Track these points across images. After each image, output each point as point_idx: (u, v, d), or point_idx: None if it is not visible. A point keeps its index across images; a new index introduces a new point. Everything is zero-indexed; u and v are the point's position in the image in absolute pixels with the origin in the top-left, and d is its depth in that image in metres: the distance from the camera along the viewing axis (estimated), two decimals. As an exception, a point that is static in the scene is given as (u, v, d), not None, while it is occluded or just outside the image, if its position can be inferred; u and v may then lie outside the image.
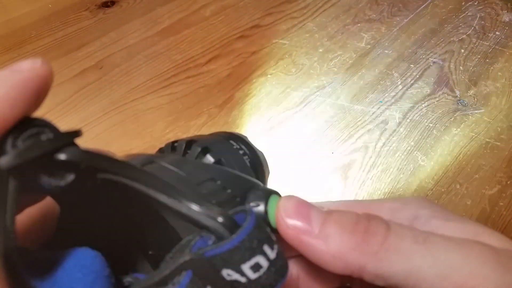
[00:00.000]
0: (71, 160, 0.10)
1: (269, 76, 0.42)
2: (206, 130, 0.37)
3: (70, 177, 0.10)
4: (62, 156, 0.10)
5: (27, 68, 0.10)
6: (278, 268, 0.11)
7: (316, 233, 0.12)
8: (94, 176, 0.10)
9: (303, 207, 0.13)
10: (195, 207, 0.11)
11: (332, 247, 0.12)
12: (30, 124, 0.10)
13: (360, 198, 0.33)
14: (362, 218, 0.13)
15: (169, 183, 0.11)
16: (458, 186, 0.34)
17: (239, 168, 0.17)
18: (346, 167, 0.35)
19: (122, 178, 0.11)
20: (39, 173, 0.10)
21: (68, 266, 0.10)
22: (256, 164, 0.18)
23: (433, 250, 0.11)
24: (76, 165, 0.10)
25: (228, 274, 0.11)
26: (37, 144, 0.09)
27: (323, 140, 0.37)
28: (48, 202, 0.12)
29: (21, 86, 0.10)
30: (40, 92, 0.10)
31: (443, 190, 0.34)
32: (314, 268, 0.14)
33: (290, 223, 0.13)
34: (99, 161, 0.10)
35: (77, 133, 0.10)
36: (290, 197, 0.14)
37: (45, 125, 0.10)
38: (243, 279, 0.11)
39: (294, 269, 0.15)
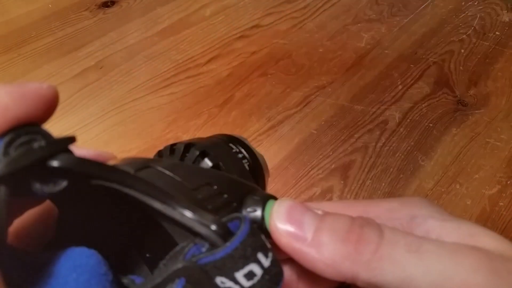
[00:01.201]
0: (63, 167, 0.10)
1: (269, 76, 0.42)
2: (206, 130, 0.37)
3: (63, 183, 0.10)
4: (54, 163, 0.10)
5: (31, 86, 0.10)
6: (273, 276, 0.11)
7: (309, 241, 0.12)
8: (88, 182, 0.10)
9: (296, 212, 0.13)
10: (188, 214, 0.11)
11: (325, 256, 0.12)
12: (23, 131, 0.10)
13: (360, 198, 0.33)
14: (355, 225, 0.12)
15: (163, 189, 0.11)
16: (458, 186, 0.34)
17: (237, 172, 0.17)
18: (346, 167, 0.35)
19: (116, 184, 0.11)
20: (32, 180, 0.10)
21: (64, 266, 0.10)
22: (256, 168, 0.18)
23: (426, 259, 0.11)
24: (69, 172, 0.10)
25: (222, 282, 0.11)
26: (29, 151, 0.09)
27: (323, 139, 0.37)
28: (49, 203, 0.12)
29: (17, 96, 0.10)
30: (38, 107, 0.10)
31: (443, 190, 0.34)
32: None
33: (282, 229, 0.13)
34: (91, 167, 0.10)
35: (70, 140, 0.10)
36: (283, 201, 0.13)
37: (38, 132, 0.10)
38: (236, 287, 0.11)
39: (293, 270, 0.15)
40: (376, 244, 0.12)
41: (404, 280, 0.11)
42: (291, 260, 0.14)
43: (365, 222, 0.13)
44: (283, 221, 0.13)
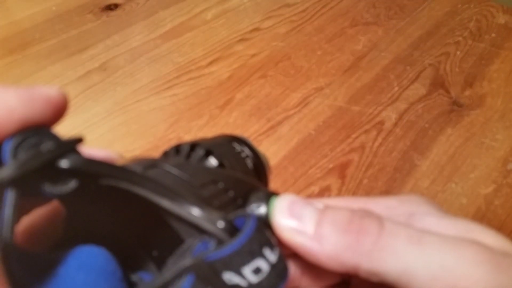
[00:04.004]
0: (72, 168, 0.10)
1: (268, 77, 0.43)
2: (207, 130, 0.38)
3: (73, 183, 0.10)
4: (63, 164, 0.10)
5: (39, 89, 0.10)
6: (279, 271, 0.11)
7: (311, 234, 0.12)
8: (96, 182, 0.11)
9: (297, 207, 0.13)
10: (195, 211, 0.11)
11: (327, 248, 0.12)
12: (31, 133, 0.10)
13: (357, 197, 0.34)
14: (355, 216, 0.13)
15: (170, 188, 0.12)
16: (453, 185, 0.35)
17: (241, 171, 0.17)
18: (344, 166, 0.36)
19: (124, 183, 0.11)
20: (42, 181, 0.10)
21: (71, 266, 0.10)
22: (259, 167, 0.18)
23: (427, 250, 0.11)
24: (78, 172, 0.10)
25: (230, 278, 0.11)
26: (38, 154, 0.09)
27: (321, 140, 0.37)
28: (55, 203, 0.13)
29: (24, 99, 0.10)
30: (46, 111, 0.10)
31: (438, 189, 0.35)
32: (316, 266, 0.14)
33: (284, 224, 0.13)
34: (100, 167, 0.10)
35: (78, 141, 0.10)
36: (284, 196, 0.14)
37: (46, 134, 0.10)
38: (244, 283, 0.11)
39: (296, 266, 0.15)
40: (377, 235, 0.12)
41: (405, 271, 0.11)
42: (294, 256, 0.14)
43: (365, 214, 0.13)
44: (285, 216, 0.13)
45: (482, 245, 0.12)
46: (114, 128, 0.38)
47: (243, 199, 0.14)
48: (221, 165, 0.16)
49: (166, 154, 0.18)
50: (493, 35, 0.48)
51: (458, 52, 0.46)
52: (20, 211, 0.11)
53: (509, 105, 0.41)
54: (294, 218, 0.13)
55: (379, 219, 0.13)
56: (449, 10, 0.52)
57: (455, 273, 0.11)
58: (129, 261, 0.13)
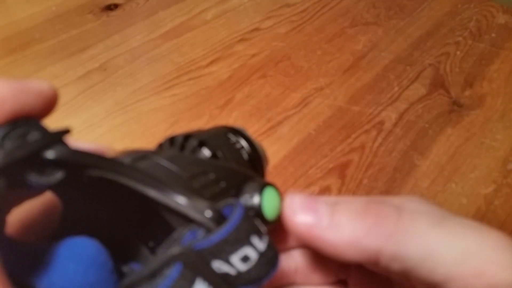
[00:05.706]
0: (58, 158, 0.10)
1: (268, 78, 0.43)
2: (207, 131, 0.38)
3: (59, 174, 0.10)
4: (49, 154, 0.10)
5: (31, 82, 0.10)
6: (268, 259, 0.11)
7: (326, 225, 0.12)
8: (83, 173, 0.11)
9: (309, 202, 0.13)
10: (182, 200, 0.11)
11: (345, 235, 0.12)
12: (20, 124, 0.10)
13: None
14: (371, 202, 0.12)
15: (157, 178, 0.12)
16: (453, 185, 0.35)
17: (235, 162, 0.17)
18: (344, 166, 0.36)
19: (110, 174, 0.11)
20: (27, 171, 0.10)
21: (62, 256, 0.10)
22: (254, 158, 0.18)
23: (449, 233, 0.11)
24: (64, 163, 0.10)
25: (218, 266, 0.11)
26: (24, 144, 0.10)
27: (321, 140, 0.38)
28: (52, 196, 0.13)
29: (16, 90, 0.10)
30: (37, 103, 0.10)
31: (438, 189, 0.35)
32: (312, 262, 0.14)
33: (299, 220, 0.13)
34: (86, 158, 0.10)
35: (64, 132, 0.10)
36: (294, 194, 0.14)
37: (34, 125, 0.10)
38: (233, 271, 0.11)
39: (292, 262, 0.15)
40: (396, 217, 0.11)
41: (429, 254, 0.11)
42: (291, 252, 0.14)
43: (380, 200, 0.13)
44: (298, 211, 0.13)
45: (502, 234, 0.11)
46: (114, 128, 0.38)
47: (236, 189, 0.14)
48: (214, 156, 0.16)
49: (160, 146, 0.17)
50: (493, 35, 0.48)
51: (458, 52, 0.46)
52: (9, 202, 0.11)
53: (509, 105, 0.41)
54: (307, 212, 0.13)
55: (395, 205, 0.12)
56: (449, 10, 0.52)
57: (480, 258, 0.11)
58: (125, 252, 0.13)
